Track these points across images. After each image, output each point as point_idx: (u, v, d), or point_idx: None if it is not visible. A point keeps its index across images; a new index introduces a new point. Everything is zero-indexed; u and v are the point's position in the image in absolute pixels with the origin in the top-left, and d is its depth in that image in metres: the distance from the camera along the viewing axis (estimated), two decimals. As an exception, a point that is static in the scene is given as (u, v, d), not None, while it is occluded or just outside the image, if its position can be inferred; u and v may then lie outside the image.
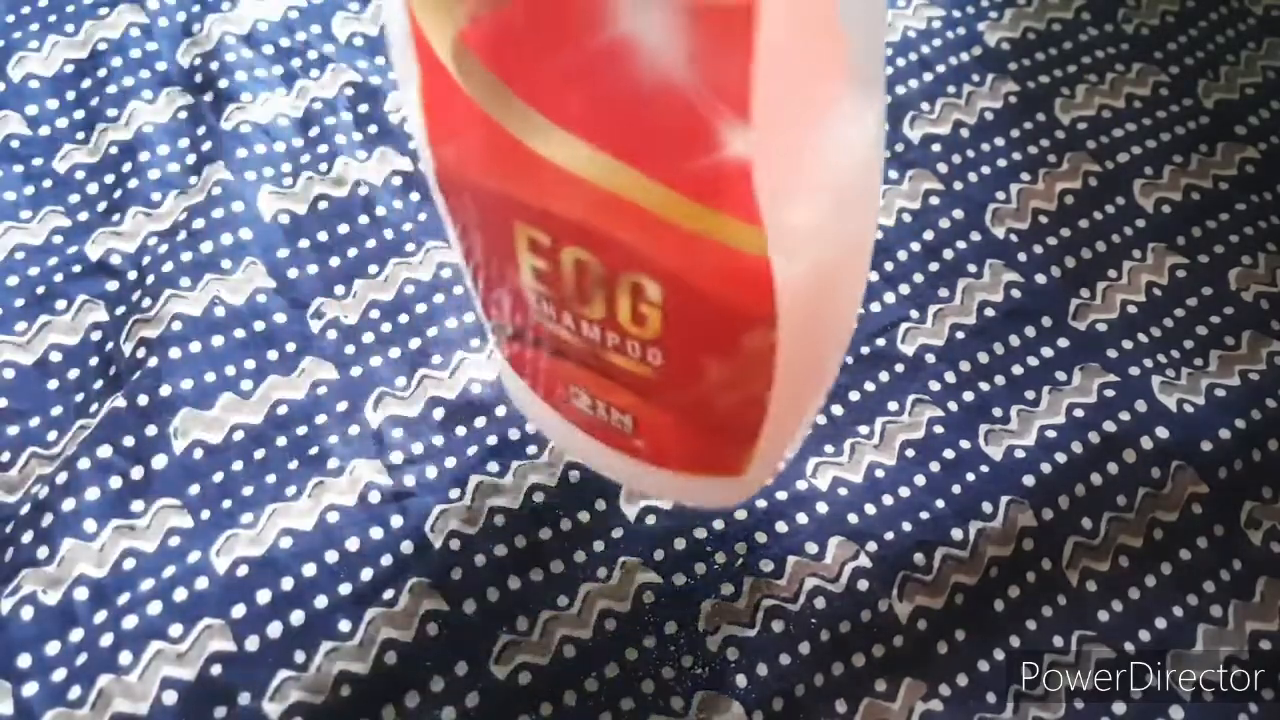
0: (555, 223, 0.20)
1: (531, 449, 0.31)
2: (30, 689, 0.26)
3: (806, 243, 0.19)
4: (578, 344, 0.23)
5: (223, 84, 0.36)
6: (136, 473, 0.29)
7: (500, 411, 0.31)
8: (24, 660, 0.27)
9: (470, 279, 0.25)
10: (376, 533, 0.29)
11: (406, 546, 0.29)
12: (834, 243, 0.20)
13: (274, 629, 0.27)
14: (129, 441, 0.30)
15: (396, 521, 0.29)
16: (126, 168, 0.35)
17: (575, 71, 0.17)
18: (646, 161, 0.18)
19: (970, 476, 0.31)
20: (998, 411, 0.32)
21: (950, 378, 0.33)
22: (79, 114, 0.36)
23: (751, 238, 0.18)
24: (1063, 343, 0.34)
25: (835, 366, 0.25)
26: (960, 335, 0.34)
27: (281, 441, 0.30)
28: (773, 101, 0.16)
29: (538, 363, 0.25)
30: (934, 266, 0.35)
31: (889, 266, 0.35)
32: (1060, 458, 0.31)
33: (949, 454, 0.31)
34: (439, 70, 0.19)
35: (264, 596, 0.28)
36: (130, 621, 0.27)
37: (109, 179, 0.35)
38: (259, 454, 0.30)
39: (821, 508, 0.30)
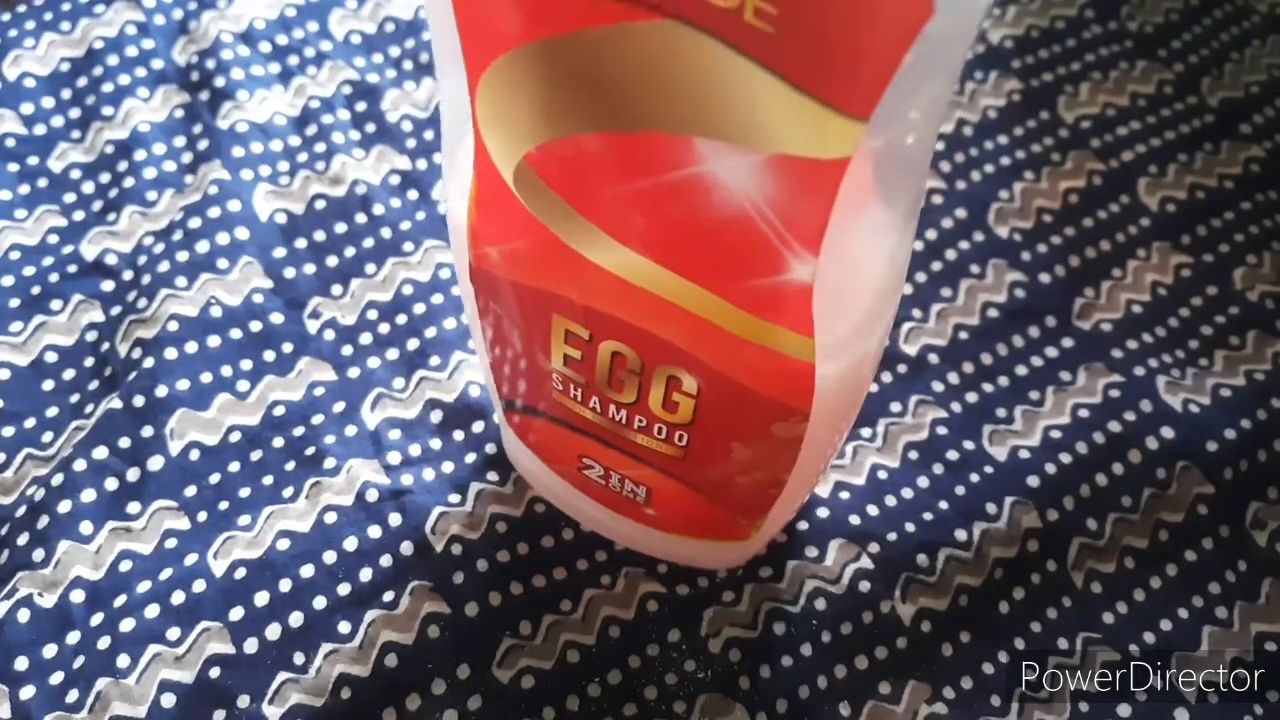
0: (598, 320, 0.20)
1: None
2: (27, 692, 0.26)
3: (846, 347, 0.20)
4: (600, 423, 0.23)
5: (219, 82, 0.36)
6: (132, 474, 0.29)
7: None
8: (21, 663, 0.26)
9: (485, 356, 0.25)
10: (375, 532, 0.29)
11: (406, 548, 0.29)
12: (867, 343, 0.21)
13: (273, 631, 0.27)
14: (125, 443, 0.29)
15: (395, 520, 0.29)
16: (122, 166, 0.34)
17: (644, 198, 0.17)
18: (707, 278, 0.18)
19: (974, 477, 0.31)
20: (1001, 412, 0.32)
21: (953, 378, 0.33)
22: (74, 112, 0.36)
23: (801, 346, 0.19)
24: (1067, 342, 0.34)
25: (841, 441, 0.26)
26: (963, 335, 0.33)
27: (278, 443, 0.30)
28: (834, 232, 0.17)
29: (549, 435, 0.25)
30: (936, 266, 0.35)
31: (891, 265, 0.35)
32: (1065, 458, 0.31)
33: (952, 455, 0.31)
34: (496, 182, 0.19)
35: (262, 598, 0.28)
36: (127, 624, 0.27)
37: (105, 178, 0.34)
38: (256, 455, 0.30)
39: (822, 513, 0.30)
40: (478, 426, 0.31)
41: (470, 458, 0.30)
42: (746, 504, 0.24)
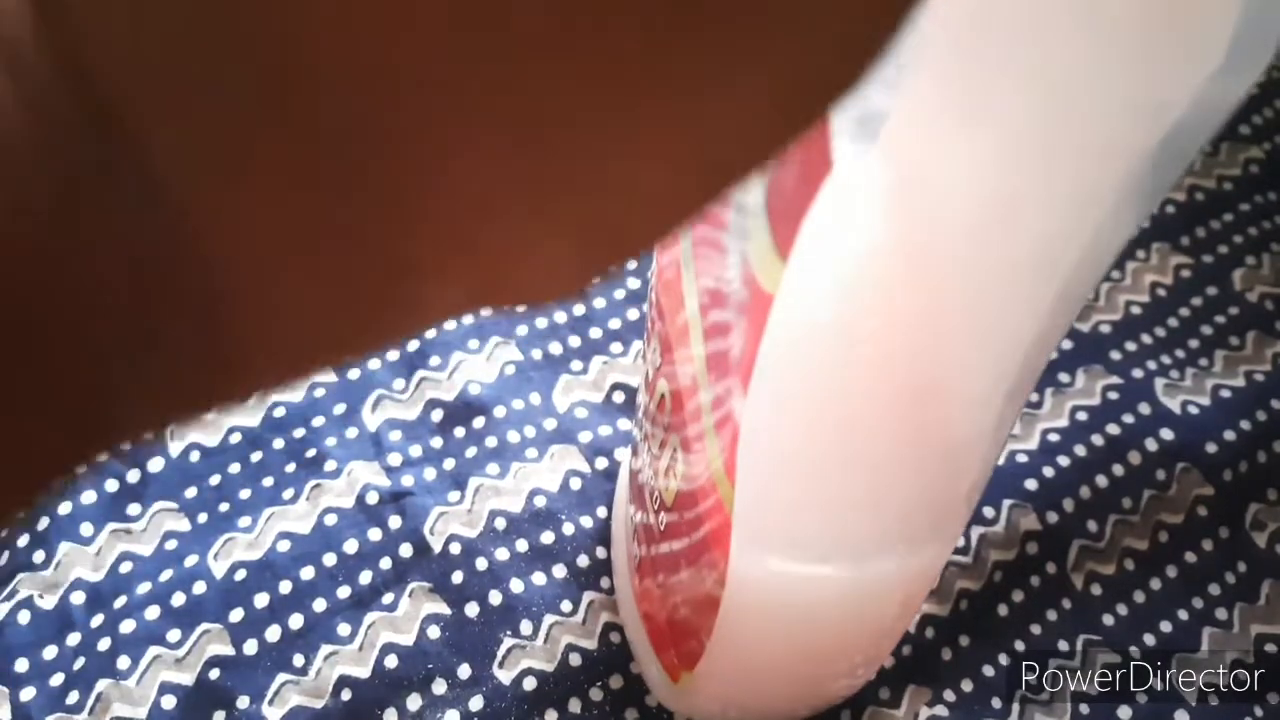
0: None
1: (531, 452, 0.30)
2: (28, 694, 0.26)
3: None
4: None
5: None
6: (133, 476, 0.29)
7: (499, 413, 0.31)
8: (21, 665, 0.26)
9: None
10: (375, 534, 0.29)
11: (406, 549, 0.29)
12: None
13: (272, 633, 0.27)
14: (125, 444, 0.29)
15: (395, 523, 0.29)
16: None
17: None
18: None
19: (974, 479, 0.31)
20: (1001, 413, 0.32)
21: (953, 379, 0.33)
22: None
23: None
24: (1065, 344, 0.34)
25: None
26: (963, 336, 0.33)
27: (279, 444, 0.30)
28: None
29: None
30: (937, 267, 0.35)
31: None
32: (1064, 460, 0.31)
33: (952, 456, 0.31)
34: None
35: (262, 600, 0.28)
36: (128, 626, 0.27)
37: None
38: (256, 456, 0.30)
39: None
40: (478, 423, 0.31)
41: (471, 453, 0.30)
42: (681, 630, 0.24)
